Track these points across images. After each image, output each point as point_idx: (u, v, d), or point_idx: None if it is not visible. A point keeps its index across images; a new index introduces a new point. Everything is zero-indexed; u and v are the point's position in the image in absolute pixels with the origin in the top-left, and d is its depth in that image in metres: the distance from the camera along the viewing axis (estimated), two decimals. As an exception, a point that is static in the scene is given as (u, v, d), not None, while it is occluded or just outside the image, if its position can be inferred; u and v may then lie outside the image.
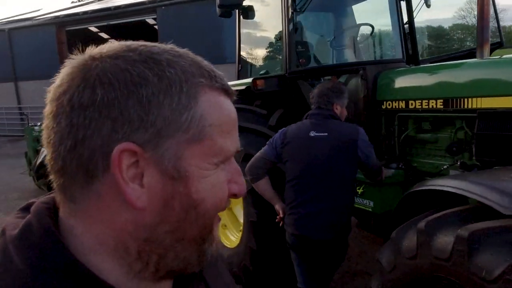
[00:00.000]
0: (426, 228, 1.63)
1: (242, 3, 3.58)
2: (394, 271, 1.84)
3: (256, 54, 4.50)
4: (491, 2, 2.52)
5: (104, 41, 23.50)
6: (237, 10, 4.36)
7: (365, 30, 3.66)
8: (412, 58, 3.76)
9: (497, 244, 1.38)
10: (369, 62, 3.34)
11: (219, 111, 0.54)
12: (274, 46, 4.15)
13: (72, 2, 30.37)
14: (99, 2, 21.43)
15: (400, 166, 3.09)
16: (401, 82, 3.07)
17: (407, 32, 3.76)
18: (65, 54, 18.81)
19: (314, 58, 3.73)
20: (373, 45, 3.71)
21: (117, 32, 20.93)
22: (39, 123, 9.43)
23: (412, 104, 2.94)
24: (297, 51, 3.59)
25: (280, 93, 3.64)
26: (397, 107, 3.07)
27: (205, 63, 0.56)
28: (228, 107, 0.56)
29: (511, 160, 2.26)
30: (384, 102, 3.17)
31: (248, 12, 4.21)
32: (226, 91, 0.57)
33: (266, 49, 4.41)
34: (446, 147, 2.71)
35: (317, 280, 2.73)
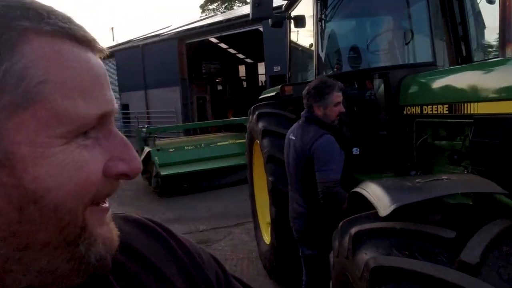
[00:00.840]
0: (341, 228, 1.70)
1: (273, 16, 3.81)
2: (334, 269, 1.93)
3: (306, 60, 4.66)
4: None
5: (222, 51, 25.51)
6: (287, 20, 4.61)
7: (401, 33, 3.57)
8: (466, 60, 3.54)
9: (374, 244, 1.43)
10: (394, 66, 3.27)
11: (60, 63, 0.40)
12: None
13: (200, 17, 33.58)
14: (221, 14, 23.33)
15: (418, 173, 2.99)
16: (417, 86, 2.99)
17: (461, 35, 3.55)
18: (184, 65, 21.00)
19: (348, 63, 3.76)
20: (407, 48, 3.59)
21: (234, 41, 22.55)
22: (146, 125, 10.85)
23: (425, 109, 2.84)
24: (329, 57, 3.69)
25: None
26: (414, 112, 2.98)
27: (38, 4, 0.42)
28: (78, 57, 0.42)
29: (506, 169, 2.09)
30: (405, 108, 3.10)
31: (299, 21, 4.42)
32: (72, 37, 0.42)
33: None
34: (448, 154, 2.58)
35: (312, 272, 2.85)
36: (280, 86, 3.73)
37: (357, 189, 1.76)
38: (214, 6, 44.76)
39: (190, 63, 21.40)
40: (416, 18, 3.44)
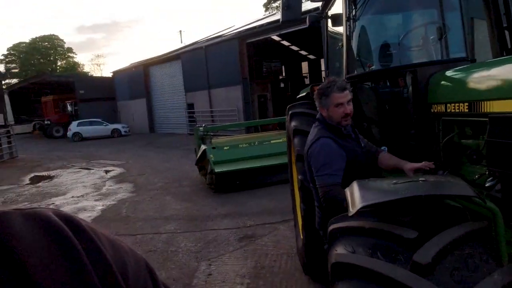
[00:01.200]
0: (328, 225, 1.78)
1: (300, 18, 3.87)
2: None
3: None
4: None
5: (284, 48, 25.70)
6: (324, 19, 4.64)
7: (431, 28, 3.46)
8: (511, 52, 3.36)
9: (345, 242, 1.50)
10: (422, 63, 3.18)
11: None
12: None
13: (264, 15, 33.99)
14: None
15: (445, 173, 2.91)
16: (443, 83, 2.91)
17: (505, 26, 3.37)
18: (245, 64, 21.46)
19: (377, 61, 3.73)
20: (439, 44, 3.46)
21: (296, 38, 22.68)
22: (203, 124, 11.33)
23: (449, 107, 2.76)
24: (359, 56, 3.69)
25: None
26: (440, 110, 2.90)
27: None
28: None
29: None
30: (433, 106, 3.02)
31: (336, 20, 4.44)
32: None
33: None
34: (467, 154, 2.49)
35: None
36: (310, 86, 3.79)
37: (346, 189, 1.82)
38: (277, 4, 44.95)
39: (251, 62, 21.81)
40: (448, 12, 3.32)
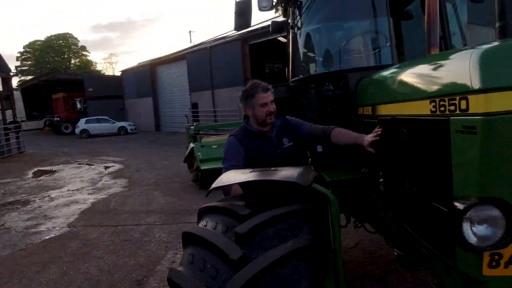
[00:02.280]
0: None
1: (250, 25, 4.19)
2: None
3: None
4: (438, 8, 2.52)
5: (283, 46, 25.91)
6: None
7: (365, 37, 3.76)
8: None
9: (205, 218, 1.84)
10: (353, 69, 3.48)
11: None
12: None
13: (273, 17, 34.27)
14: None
15: (364, 171, 3.21)
16: (363, 88, 3.20)
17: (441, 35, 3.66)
18: (247, 65, 21.84)
19: (322, 66, 4.03)
20: (370, 51, 3.76)
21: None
22: (195, 123, 11.72)
23: (365, 110, 3.06)
24: (303, 60, 4.01)
25: (288, 100, 4.12)
26: (361, 113, 3.20)
27: None
28: None
29: (396, 166, 2.32)
30: (358, 108, 3.32)
31: (283, 27, 4.80)
32: None
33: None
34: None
35: None
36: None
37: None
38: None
39: (254, 63, 22.16)
40: (379, 22, 3.62)
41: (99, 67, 67.26)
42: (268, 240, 1.57)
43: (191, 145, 9.75)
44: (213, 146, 9.64)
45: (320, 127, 3.13)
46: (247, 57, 21.80)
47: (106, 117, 30.10)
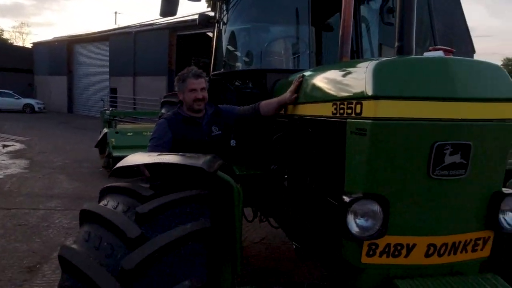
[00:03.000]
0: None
1: (176, 13, 4.16)
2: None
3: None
4: (351, 23, 2.69)
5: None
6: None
7: (286, 41, 3.95)
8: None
9: (107, 197, 1.80)
10: (272, 70, 3.62)
11: None
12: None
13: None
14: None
15: (273, 167, 3.35)
16: (278, 89, 3.34)
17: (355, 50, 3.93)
18: (173, 55, 21.36)
19: (244, 63, 4.12)
20: (290, 55, 3.96)
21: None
22: (111, 108, 11.23)
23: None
24: (225, 55, 4.06)
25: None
26: (274, 112, 3.35)
27: None
28: None
29: (300, 163, 2.46)
30: (273, 108, 3.46)
31: (209, 21, 4.81)
32: None
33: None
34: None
35: None
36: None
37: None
38: None
39: (180, 55, 21.72)
40: (301, 30, 3.81)
41: (6, 35, 60.64)
42: (168, 221, 1.59)
43: (105, 130, 9.31)
44: (129, 134, 9.31)
45: (248, 106, 3.19)
46: (174, 47, 21.31)
47: (10, 92, 27.33)
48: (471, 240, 1.70)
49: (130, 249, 1.46)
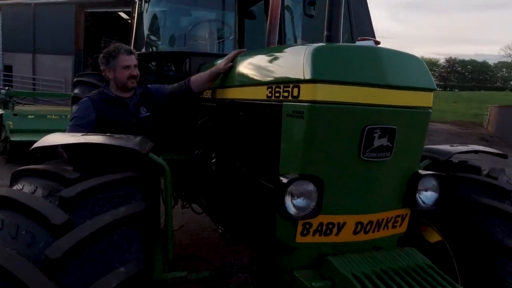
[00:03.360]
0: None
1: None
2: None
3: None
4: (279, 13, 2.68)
5: (125, 23, 24.40)
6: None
7: (212, 26, 3.89)
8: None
9: (21, 181, 1.60)
10: (196, 53, 3.53)
11: None
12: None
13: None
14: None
15: (197, 152, 3.29)
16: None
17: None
18: (80, 34, 19.79)
19: (167, 45, 3.96)
20: (217, 40, 3.92)
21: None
22: (6, 87, 10.09)
23: (204, 94, 3.13)
24: (147, 35, 3.85)
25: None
26: (201, 96, 3.28)
27: None
28: None
29: (229, 147, 2.43)
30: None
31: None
32: None
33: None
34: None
35: None
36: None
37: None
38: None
39: (88, 34, 20.21)
40: (227, 16, 3.77)
41: None
42: (97, 206, 1.47)
43: (0, 111, 8.33)
44: (29, 116, 8.46)
45: (178, 84, 3.06)
46: (81, 25, 19.76)
47: None
48: (392, 217, 1.85)
49: (55, 237, 1.32)
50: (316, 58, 1.60)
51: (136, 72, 2.87)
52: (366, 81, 1.62)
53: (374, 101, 1.64)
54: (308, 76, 1.58)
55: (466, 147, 2.57)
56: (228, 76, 2.58)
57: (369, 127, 1.64)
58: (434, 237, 2.57)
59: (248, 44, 4.12)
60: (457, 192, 2.26)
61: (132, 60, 2.85)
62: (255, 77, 2.10)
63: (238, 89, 2.36)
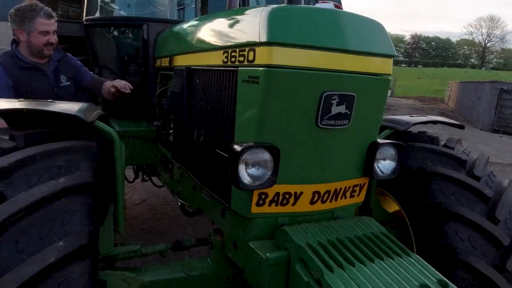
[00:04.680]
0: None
1: None
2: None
3: None
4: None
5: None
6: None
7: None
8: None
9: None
10: (154, 19, 3.33)
11: None
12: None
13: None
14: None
15: (156, 123, 3.16)
16: (162, 40, 3.11)
17: None
18: None
19: (124, 10, 3.74)
20: (177, 6, 3.73)
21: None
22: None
23: (162, 61, 2.98)
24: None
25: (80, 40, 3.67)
26: (158, 65, 3.12)
27: None
28: None
29: (186, 116, 2.32)
30: (156, 60, 3.22)
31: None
32: None
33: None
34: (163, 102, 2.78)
35: None
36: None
37: None
38: None
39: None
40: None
41: None
42: (35, 176, 1.35)
43: None
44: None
45: (99, 79, 2.99)
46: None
47: None
48: (349, 187, 1.83)
49: (-17, 210, 1.20)
50: (273, 20, 1.50)
51: (54, 39, 2.66)
52: (325, 45, 1.55)
53: (332, 66, 1.57)
54: (263, 38, 1.49)
55: (425, 117, 2.59)
56: (185, 42, 2.45)
57: (326, 93, 1.58)
58: (392, 207, 2.60)
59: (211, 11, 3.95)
60: (415, 161, 2.27)
61: (52, 25, 2.62)
62: (212, 42, 1.98)
63: (195, 55, 2.24)
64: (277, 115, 1.57)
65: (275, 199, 1.67)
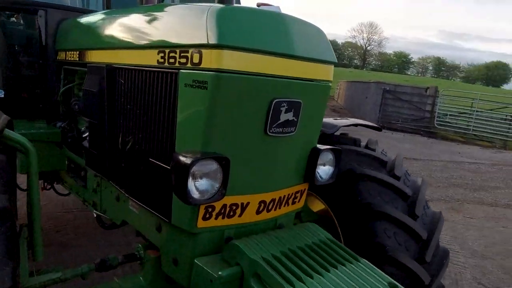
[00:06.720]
0: None
1: None
2: None
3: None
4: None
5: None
6: None
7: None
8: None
9: None
10: (55, 5, 2.92)
11: None
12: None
13: None
14: None
15: (61, 125, 2.78)
16: (67, 31, 2.75)
17: None
18: None
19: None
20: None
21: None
22: None
23: (68, 55, 2.64)
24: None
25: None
26: (62, 58, 2.76)
27: None
28: None
29: (108, 120, 2.06)
30: (59, 52, 2.84)
31: None
32: None
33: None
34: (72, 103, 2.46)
35: None
36: None
37: None
38: None
39: None
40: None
41: None
42: None
43: None
44: None
45: None
46: None
47: None
48: (292, 193, 1.81)
49: None
50: (223, 20, 1.39)
51: None
52: (275, 50, 1.49)
53: (281, 72, 1.52)
54: (213, 40, 1.37)
55: (347, 120, 2.70)
56: (102, 36, 2.18)
57: (276, 100, 1.52)
58: (318, 206, 2.67)
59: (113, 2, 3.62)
60: (343, 163, 2.35)
61: None
62: (143, 39, 1.78)
63: (118, 51, 1.99)
64: (226, 123, 1.47)
65: (222, 211, 1.57)
